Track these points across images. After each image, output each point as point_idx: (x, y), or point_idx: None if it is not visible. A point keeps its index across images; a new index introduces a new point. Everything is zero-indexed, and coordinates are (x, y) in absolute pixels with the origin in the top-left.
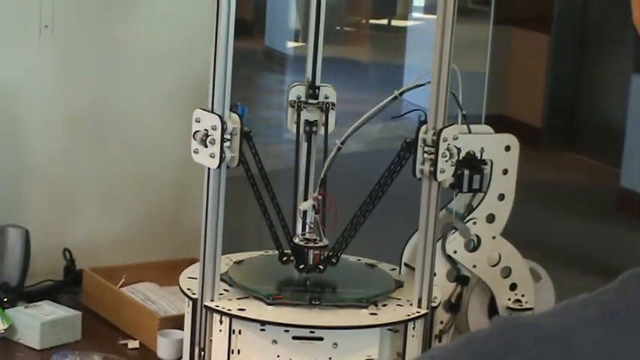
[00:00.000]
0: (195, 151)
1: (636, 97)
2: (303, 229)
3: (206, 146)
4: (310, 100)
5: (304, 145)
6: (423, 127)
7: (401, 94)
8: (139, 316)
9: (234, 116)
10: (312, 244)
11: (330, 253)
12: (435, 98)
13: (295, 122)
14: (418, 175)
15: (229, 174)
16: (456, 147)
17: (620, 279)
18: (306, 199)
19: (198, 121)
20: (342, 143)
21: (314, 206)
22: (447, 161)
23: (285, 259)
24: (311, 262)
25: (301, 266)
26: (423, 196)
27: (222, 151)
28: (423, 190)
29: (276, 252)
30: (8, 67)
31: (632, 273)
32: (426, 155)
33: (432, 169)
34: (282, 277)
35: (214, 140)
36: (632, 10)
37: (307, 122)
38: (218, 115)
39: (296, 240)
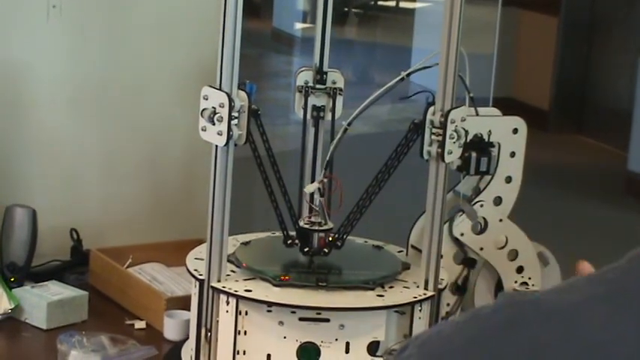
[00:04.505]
0: (202, 129)
1: None
2: (309, 212)
3: (214, 124)
4: (318, 86)
5: (311, 131)
6: (431, 109)
7: (408, 75)
8: (146, 296)
9: (242, 94)
10: (316, 227)
11: (336, 236)
12: (443, 80)
13: (303, 107)
14: (426, 156)
15: (237, 155)
16: (464, 129)
17: (627, 258)
18: (313, 182)
19: (206, 99)
20: (349, 124)
21: (319, 189)
22: (454, 143)
23: (289, 242)
24: (315, 246)
25: (306, 249)
26: (431, 178)
27: (229, 129)
28: (431, 171)
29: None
30: (17, 48)
31: (638, 252)
32: (433, 137)
33: (440, 150)
34: (289, 258)
35: (222, 118)
36: None
37: (315, 107)
38: (226, 93)
39: (301, 223)
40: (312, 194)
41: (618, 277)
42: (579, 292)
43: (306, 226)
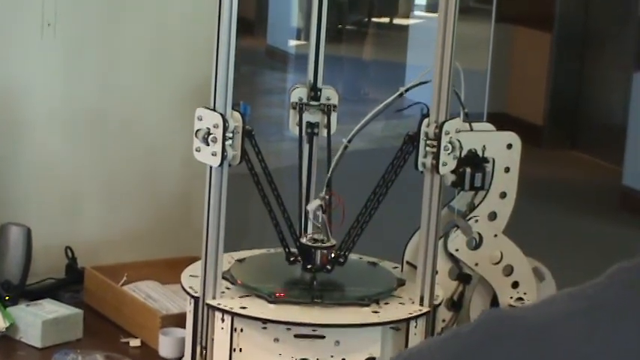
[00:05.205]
0: (197, 150)
1: (638, 95)
2: (305, 229)
3: (208, 144)
4: (312, 102)
5: (306, 147)
6: (425, 121)
7: (406, 90)
8: (141, 314)
9: (236, 114)
10: (319, 244)
11: (338, 253)
12: (437, 92)
13: (297, 124)
14: (420, 168)
15: (231, 171)
16: (458, 140)
17: (607, 274)
18: (308, 199)
19: (200, 119)
20: (349, 142)
21: (321, 206)
22: (449, 154)
23: (292, 259)
24: (318, 263)
25: (308, 266)
26: (425, 190)
27: (224, 150)
28: (425, 183)
29: (278, 250)
30: (11, 66)
31: (619, 268)
32: (428, 148)
33: (435, 162)
34: (284, 275)
35: (216, 138)
36: None
37: (309, 124)
38: (220, 114)
39: (303, 240)
40: (312, 211)
41: (598, 293)
42: (559, 307)
43: (309, 243)
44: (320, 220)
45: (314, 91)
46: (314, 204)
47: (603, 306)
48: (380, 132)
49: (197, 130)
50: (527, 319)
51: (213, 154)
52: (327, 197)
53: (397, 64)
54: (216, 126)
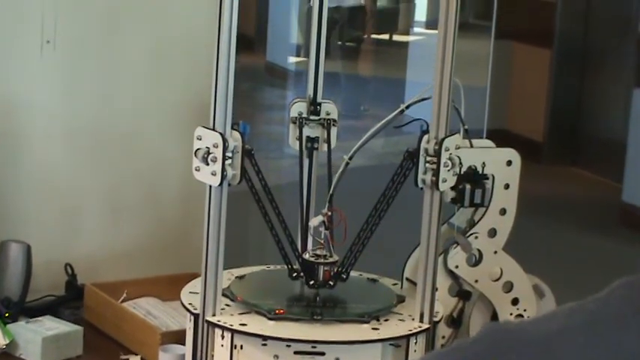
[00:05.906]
0: (196, 169)
1: (638, 111)
2: (303, 245)
3: (207, 164)
4: (312, 117)
5: (306, 162)
6: (425, 137)
7: (407, 107)
8: (141, 331)
9: (236, 134)
10: (322, 260)
11: (340, 269)
12: (437, 108)
13: (297, 139)
14: (420, 184)
15: (231, 189)
16: (458, 157)
17: (608, 289)
18: (308, 214)
19: (200, 139)
20: (350, 158)
21: (324, 222)
22: (448, 171)
23: (295, 275)
24: (321, 278)
25: (311, 282)
26: (425, 206)
27: (223, 169)
28: (425, 199)
29: (278, 267)
30: (10, 82)
31: (620, 283)
32: (428, 165)
33: (434, 178)
34: (284, 292)
35: (216, 158)
36: None
37: (309, 139)
38: (219, 133)
39: (305, 256)
40: (315, 227)
41: (598, 308)
42: (559, 321)
43: (312, 259)
44: (322, 236)
45: (314, 106)
46: (317, 220)
47: (605, 320)
48: (380, 148)
49: (196, 150)
50: (529, 333)
51: (212, 174)
52: (329, 213)
53: (397, 81)
54: (215, 145)
